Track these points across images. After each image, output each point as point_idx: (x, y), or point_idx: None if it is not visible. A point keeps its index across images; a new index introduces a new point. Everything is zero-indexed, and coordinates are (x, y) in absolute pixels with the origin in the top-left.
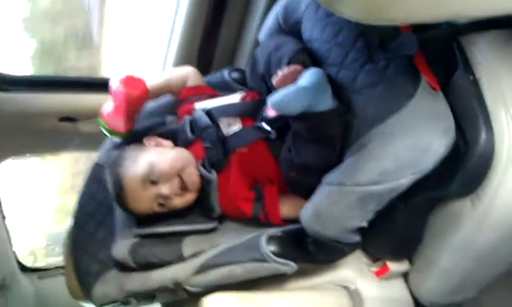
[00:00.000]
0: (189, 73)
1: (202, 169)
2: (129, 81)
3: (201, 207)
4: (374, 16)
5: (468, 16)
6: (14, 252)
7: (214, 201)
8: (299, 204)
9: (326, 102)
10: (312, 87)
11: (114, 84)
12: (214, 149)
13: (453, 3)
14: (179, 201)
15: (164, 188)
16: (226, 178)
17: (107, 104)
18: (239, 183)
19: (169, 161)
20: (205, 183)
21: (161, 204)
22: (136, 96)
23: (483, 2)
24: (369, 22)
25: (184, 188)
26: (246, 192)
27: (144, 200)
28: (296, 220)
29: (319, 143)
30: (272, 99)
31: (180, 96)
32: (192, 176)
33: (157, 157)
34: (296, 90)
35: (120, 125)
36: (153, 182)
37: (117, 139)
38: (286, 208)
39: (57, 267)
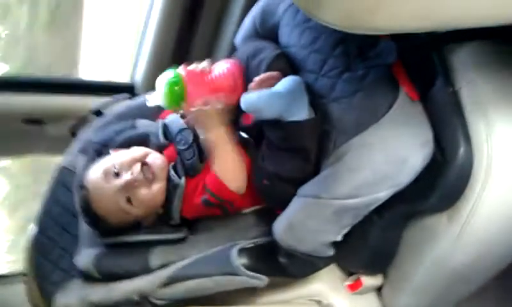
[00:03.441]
0: None
1: (172, 172)
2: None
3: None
4: (356, 25)
5: (451, 27)
6: None
7: (175, 207)
8: (230, 156)
9: (302, 112)
10: (287, 94)
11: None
12: (188, 151)
13: (436, 14)
14: (145, 191)
15: (126, 175)
16: (196, 184)
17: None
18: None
19: (129, 151)
20: (171, 187)
21: (129, 201)
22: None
23: (465, 14)
24: (350, 30)
25: (148, 177)
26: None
27: (109, 196)
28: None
29: (292, 153)
30: (244, 100)
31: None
32: (156, 160)
33: (118, 152)
34: (270, 94)
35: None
36: (116, 174)
37: (160, 103)
38: (218, 171)
39: (16, 275)
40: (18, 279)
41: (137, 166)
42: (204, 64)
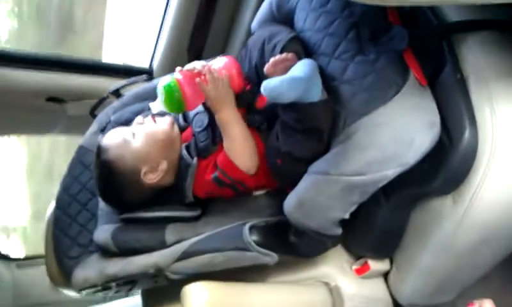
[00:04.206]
0: None
1: (185, 151)
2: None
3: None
4: None
5: (457, 1)
6: None
7: (188, 185)
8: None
9: (317, 94)
10: (306, 78)
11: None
12: (202, 133)
13: None
14: (149, 125)
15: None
16: (208, 165)
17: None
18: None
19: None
20: (183, 166)
21: (133, 134)
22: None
23: None
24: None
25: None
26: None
27: (119, 136)
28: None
29: (306, 134)
30: (265, 85)
31: None
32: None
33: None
34: (290, 79)
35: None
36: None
37: (163, 108)
38: (228, 151)
39: (35, 257)
40: (37, 262)
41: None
42: (199, 64)
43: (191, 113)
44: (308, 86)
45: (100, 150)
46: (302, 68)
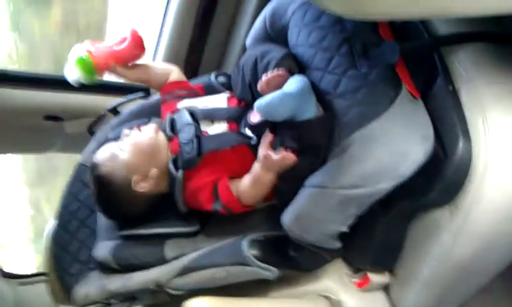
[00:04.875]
0: (171, 70)
1: (171, 165)
2: (138, 41)
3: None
4: (355, 10)
5: (447, 15)
6: None
7: (178, 198)
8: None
9: (311, 110)
10: (298, 94)
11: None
12: (188, 145)
13: (424, 2)
14: (136, 134)
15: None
16: (196, 177)
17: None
18: (205, 184)
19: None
20: (171, 179)
21: (121, 149)
22: (134, 56)
23: (452, 4)
24: (350, 15)
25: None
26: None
27: (110, 151)
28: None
29: (304, 152)
30: (258, 104)
31: (162, 91)
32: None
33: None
34: (281, 96)
35: (103, 62)
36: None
37: (79, 77)
38: (242, 193)
39: (37, 274)
40: (40, 279)
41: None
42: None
43: (178, 124)
44: (300, 102)
45: (92, 167)
46: (294, 84)
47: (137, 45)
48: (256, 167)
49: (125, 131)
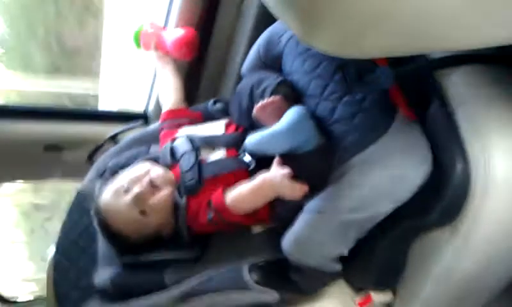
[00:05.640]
0: (181, 99)
1: (176, 192)
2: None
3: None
4: (349, 50)
5: (439, 50)
6: None
7: (181, 225)
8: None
9: (310, 141)
10: (289, 129)
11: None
12: (189, 173)
13: (424, 39)
14: (156, 199)
15: (136, 189)
16: (197, 202)
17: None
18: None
19: (133, 169)
20: (176, 207)
21: (142, 212)
22: (174, 50)
23: (453, 38)
24: (345, 55)
25: (154, 186)
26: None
27: (124, 212)
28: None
29: (306, 181)
30: (247, 143)
31: (161, 119)
32: (157, 172)
33: (124, 172)
34: (271, 134)
35: (146, 40)
36: (126, 191)
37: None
38: (237, 195)
39: (36, 299)
40: (38, 303)
41: (145, 181)
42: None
43: (178, 152)
44: (293, 136)
45: (97, 210)
46: (286, 119)
47: (182, 43)
48: (265, 179)
49: (144, 166)
